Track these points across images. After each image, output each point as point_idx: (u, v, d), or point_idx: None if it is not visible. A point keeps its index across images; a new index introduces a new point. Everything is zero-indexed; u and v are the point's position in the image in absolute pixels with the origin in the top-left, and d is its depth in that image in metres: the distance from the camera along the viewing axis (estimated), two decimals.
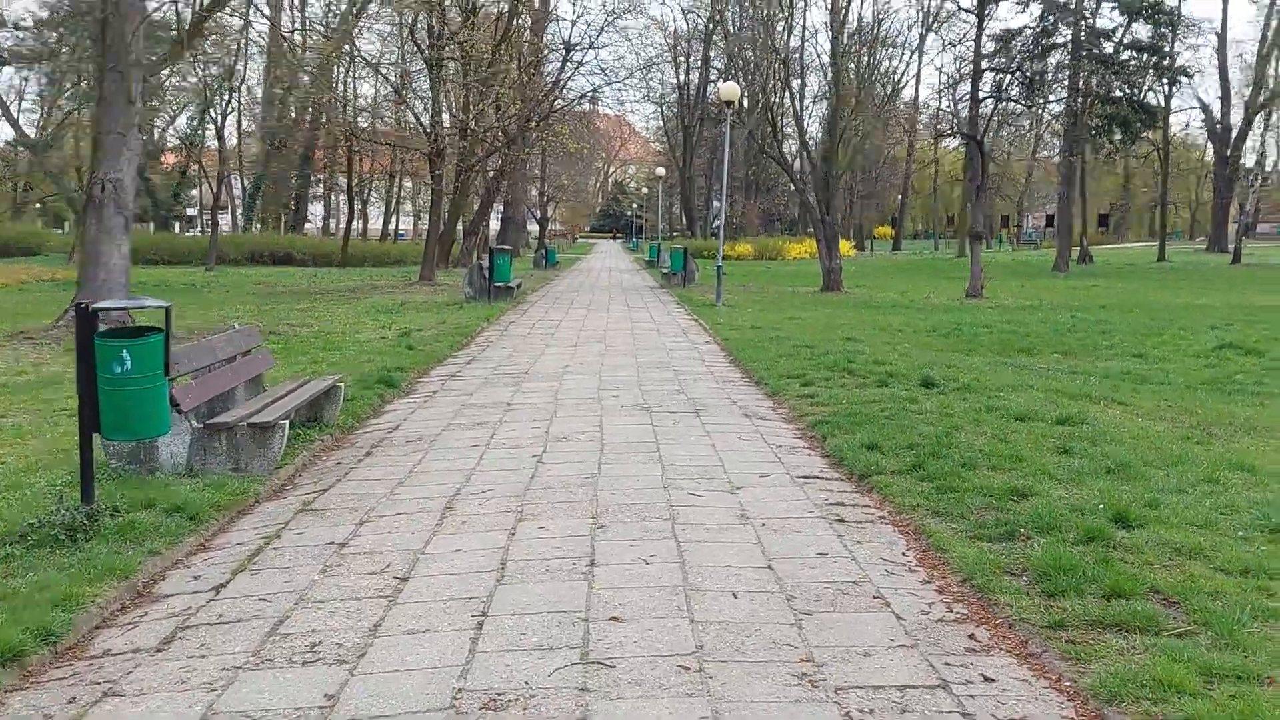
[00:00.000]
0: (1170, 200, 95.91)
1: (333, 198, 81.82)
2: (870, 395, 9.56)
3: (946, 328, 18.18)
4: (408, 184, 64.33)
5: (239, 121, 66.42)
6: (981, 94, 28.62)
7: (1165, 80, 43.09)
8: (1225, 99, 64.32)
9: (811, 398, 9.51)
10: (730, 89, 23.04)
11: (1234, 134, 64.83)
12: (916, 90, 57.20)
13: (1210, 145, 69.14)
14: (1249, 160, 70.80)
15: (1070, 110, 41.27)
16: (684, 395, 10.06)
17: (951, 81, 47.75)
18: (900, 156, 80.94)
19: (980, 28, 28.34)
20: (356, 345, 14.83)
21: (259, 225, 65.28)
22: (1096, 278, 39.62)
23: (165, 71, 37.71)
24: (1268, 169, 62.86)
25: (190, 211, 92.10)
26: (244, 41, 35.26)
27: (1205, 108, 64.51)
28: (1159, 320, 19.89)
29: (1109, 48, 40.94)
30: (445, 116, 44.72)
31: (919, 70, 72.58)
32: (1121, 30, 42.88)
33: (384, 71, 34.28)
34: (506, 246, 24.91)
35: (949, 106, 62.39)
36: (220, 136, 41.32)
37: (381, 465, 7.23)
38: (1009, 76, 30.03)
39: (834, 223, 29.47)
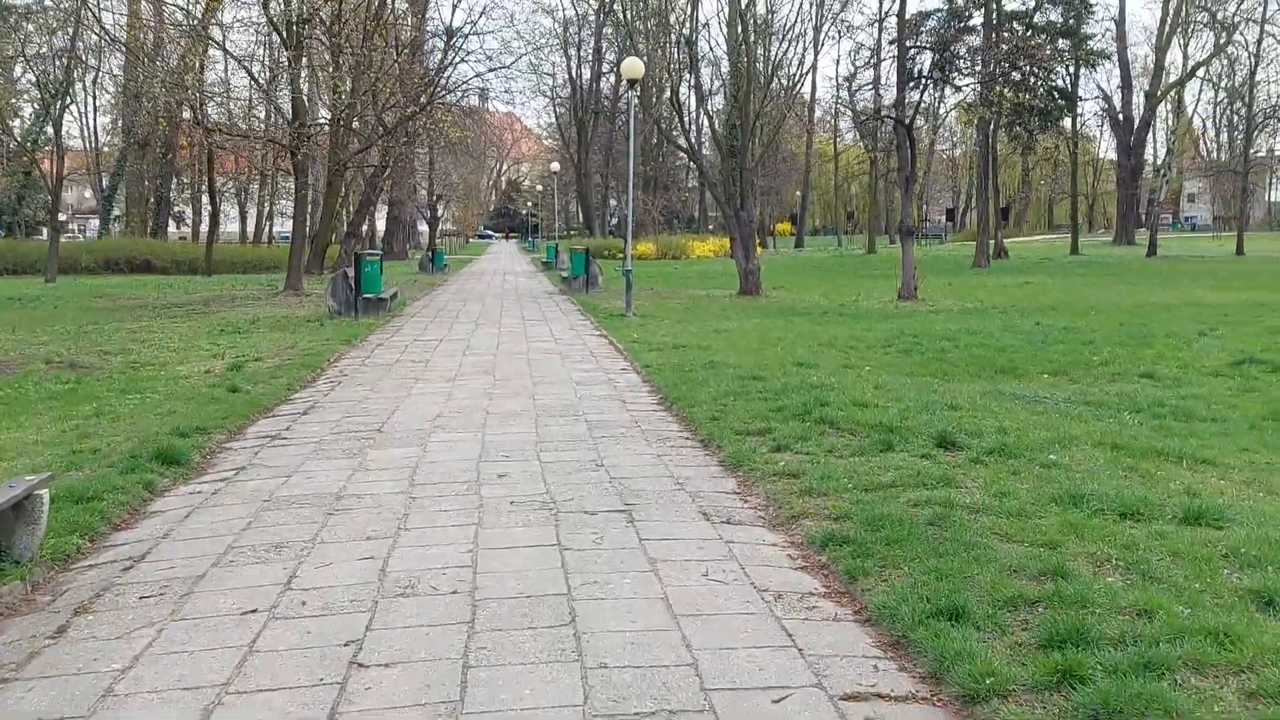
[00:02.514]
0: (1064, 192, 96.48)
1: (205, 199, 76.46)
2: (877, 470, 6.51)
3: (902, 341, 15.35)
4: (289, 184, 59.71)
5: (92, 118, 61.12)
6: (915, 73, 26.06)
7: (1082, 65, 41.48)
8: (1126, 87, 63.84)
9: (795, 477, 6.39)
10: (634, 65, 19.94)
11: (1135, 123, 64.42)
12: (814, 83, 54.92)
13: (1112, 135, 68.66)
14: (1154, 151, 70.87)
15: (985, 98, 39.31)
16: (605, 472, 6.85)
17: (868, 63, 45.61)
18: (799, 151, 79.02)
19: (904, 2, 25.84)
20: (168, 385, 11.28)
21: (120, 230, 59.94)
22: (1020, 273, 37.69)
23: None
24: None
25: (61, 216, 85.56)
26: (74, 29, 30.76)
27: (1106, 97, 63.90)
28: (1134, 326, 17.43)
29: (1022, 31, 39.07)
30: (314, 107, 40.70)
31: (815, 61, 70.52)
32: (1032, 13, 41.15)
33: (237, 58, 30.18)
34: (374, 251, 21.36)
35: (859, 93, 60.59)
36: (58, 133, 36.55)
37: (75, 659, 3.90)
38: (938, 55, 27.70)
39: (751, 219, 26.62)
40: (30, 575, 4.94)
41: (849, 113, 76.32)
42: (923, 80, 26.69)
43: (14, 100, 41.86)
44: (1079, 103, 44.59)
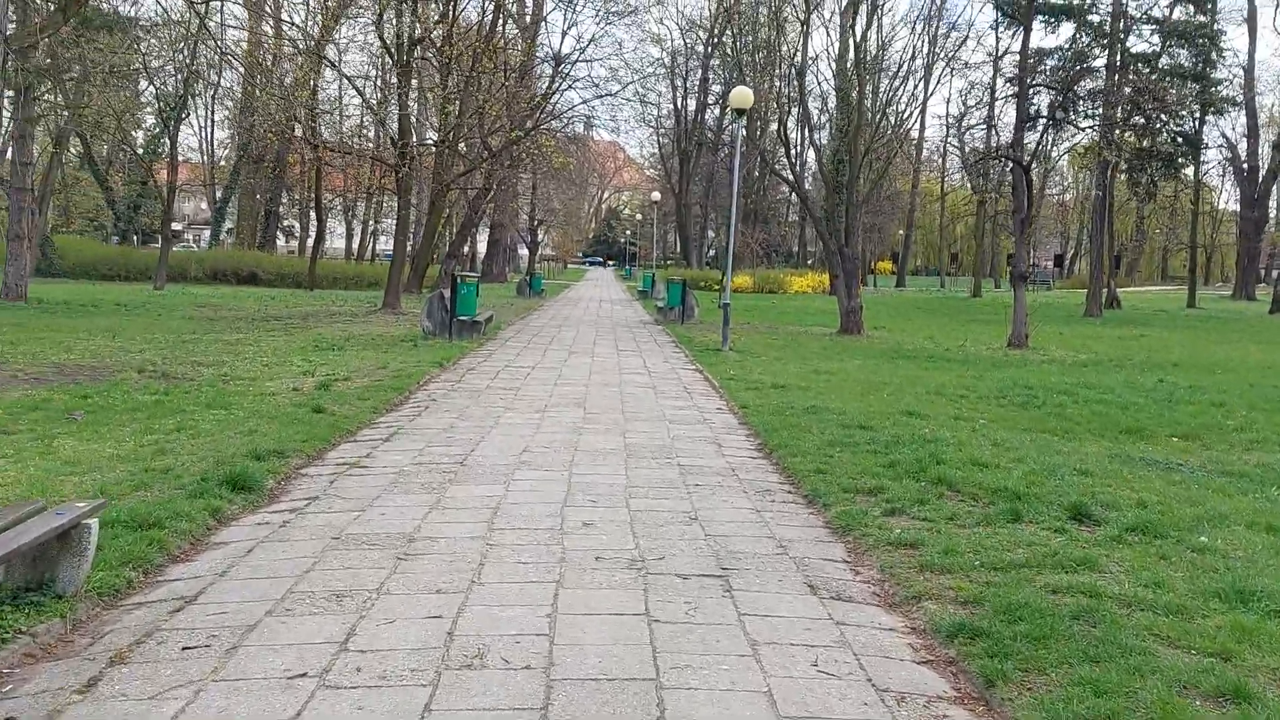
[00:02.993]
0: (1180, 242, 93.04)
1: (313, 215, 78.23)
2: (1007, 544, 5.79)
3: (1016, 393, 14.44)
4: (394, 202, 60.60)
5: (209, 132, 63.02)
6: (1031, 113, 25.06)
7: (1209, 111, 39.71)
8: (1252, 135, 61.11)
9: (913, 547, 5.72)
10: (743, 94, 19.43)
11: (1261, 174, 61.66)
12: (923, 121, 53.83)
13: (1235, 186, 65.79)
14: (1278, 203, 67.75)
15: (1108, 140, 37.85)
16: (700, 527, 6.27)
17: (980, 102, 44.49)
18: (904, 189, 77.60)
19: (1026, 38, 24.90)
20: (254, 401, 11.06)
21: (231, 242, 61.54)
22: (1136, 325, 36.04)
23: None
24: None
25: (176, 226, 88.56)
26: (192, 44, 31.56)
27: (1231, 145, 61.27)
28: (1266, 388, 16.20)
29: (1148, 73, 37.55)
30: (422, 128, 41.15)
31: (926, 99, 69.21)
32: (1159, 55, 39.56)
33: (349, 76, 30.58)
34: (472, 273, 21.19)
35: (968, 133, 59.21)
36: (173, 145, 37.54)
37: None
38: (1059, 95, 26.60)
39: (855, 256, 25.84)
40: (72, 612, 4.55)
41: (958, 152, 75.11)
42: (1041, 120, 25.64)
43: (136, 112, 43.33)
44: (1202, 150, 42.64)
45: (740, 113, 19.76)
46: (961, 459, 8.25)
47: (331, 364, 14.95)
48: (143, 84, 40.79)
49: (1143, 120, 36.01)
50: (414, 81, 39.97)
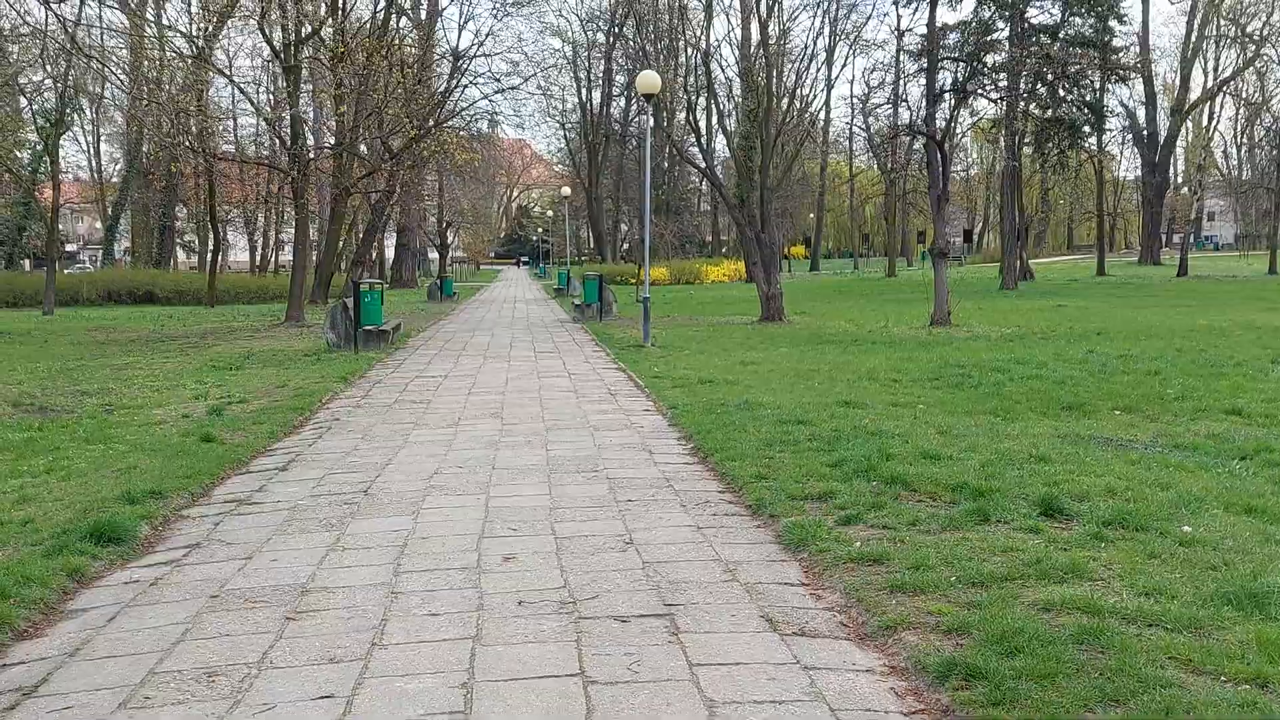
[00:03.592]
0: (1086, 211, 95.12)
1: (222, 228, 75.41)
2: (980, 551, 5.17)
3: (949, 373, 14.00)
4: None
5: (96, 148, 60.41)
6: (941, 88, 24.80)
7: (1111, 79, 40.22)
8: (1150, 103, 62.57)
9: (878, 562, 5.06)
10: (649, 79, 18.74)
11: (1160, 139, 63.11)
12: (828, 103, 53.85)
13: (1136, 153, 67.25)
14: (1174, 169, 69.45)
15: (1012, 113, 38.10)
16: (636, 552, 5.54)
17: (883, 82, 44.51)
18: (811, 172, 77.83)
19: (933, 13, 24.69)
20: (138, 433, 10.04)
21: (128, 261, 58.99)
22: (1050, 296, 36.32)
23: None
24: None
25: (70, 247, 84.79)
26: (66, 56, 29.71)
27: (1130, 113, 62.59)
28: (1194, 353, 16.05)
29: (1049, 43, 37.85)
30: (319, 131, 39.72)
31: (830, 81, 69.51)
32: (1060, 25, 39.94)
33: (233, 79, 29.16)
34: (376, 279, 20.15)
35: (873, 114, 59.47)
36: (54, 163, 35.59)
37: None
38: (968, 68, 26.47)
39: (772, 241, 25.36)
40: None
41: (864, 133, 75.54)
42: (952, 94, 25.41)
43: (19, 132, 41.05)
44: (1105, 119, 43.23)
45: (648, 98, 19.07)
46: (911, 452, 7.67)
47: (228, 385, 13.90)
48: (22, 101, 38.70)
49: (1047, 90, 36.29)
50: (307, 84, 38.58)
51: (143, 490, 7.06)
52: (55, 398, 13.19)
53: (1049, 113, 36.79)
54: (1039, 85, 35.44)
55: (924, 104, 24.33)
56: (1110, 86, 47.96)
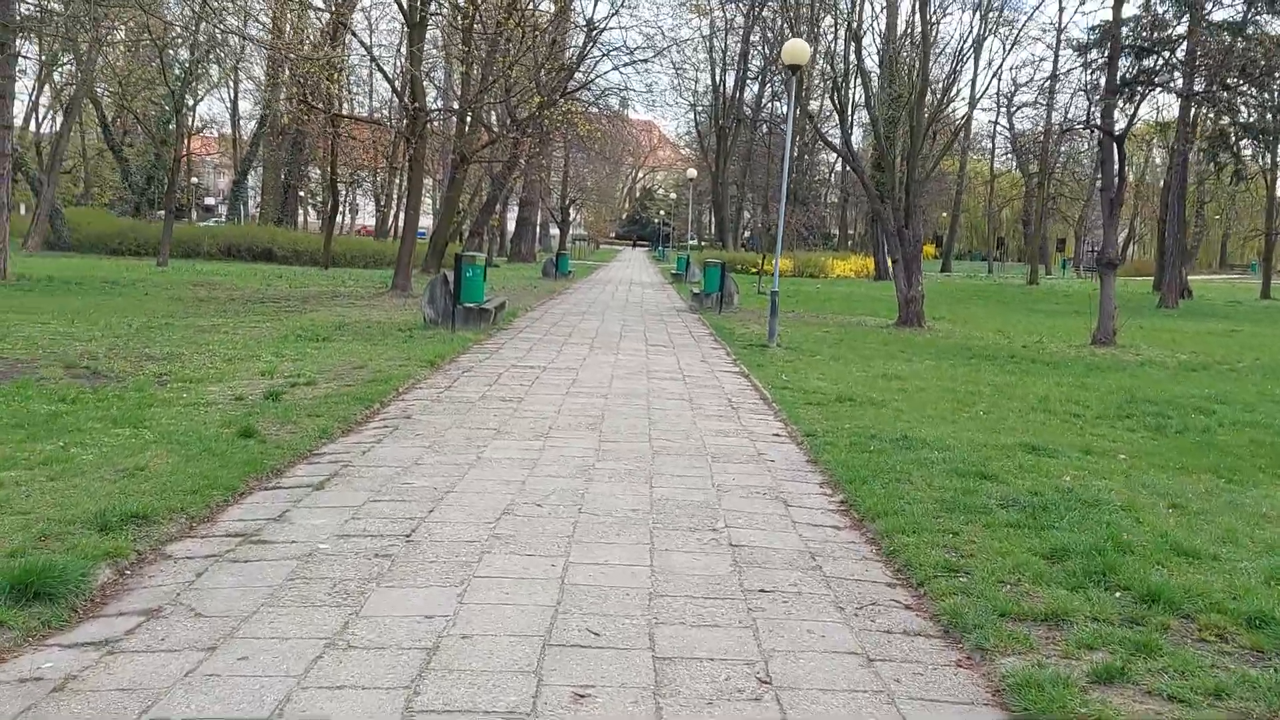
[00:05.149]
0: (1247, 228, 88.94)
1: (346, 191, 75.66)
2: None
3: (1139, 409, 11.62)
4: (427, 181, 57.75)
5: (235, 104, 60.85)
6: (1123, 79, 21.98)
7: None
8: None
9: None
10: (798, 48, 16.62)
11: None
12: (971, 99, 50.48)
13: None
14: None
15: (1185, 117, 34.63)
16: (775, 701, 3.60)
17: (1030, 80, 41.36)
18: (948, 169, 74.04)
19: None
20: (176, 415, 8.53)
21: (256, 218, 59.30)
22: (1216, 318, 32.88)
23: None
24: None
25: (210, 201, 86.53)
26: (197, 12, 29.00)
27: None
28: None
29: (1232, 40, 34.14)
30: (446, 97, 38.57)
31: (974, 78, 65.87)
32: (1245, 22, 36.10)
33: (357, 35, 27.98)
34: (478, 254, 18.54)
35: (1017, 113, 55.73)
36: (178, 114, 35.17)
37: None
38: (1156, 59, 23.62)
39: (918, 238, 22.96)
40: None
41: (1006, 132, 71.45)
42: (1136, 86, 22.54)
43: (152, 83, 41.00)
44: None
45: (793, 69, 16.96)
46: (1152, 541, 5.53)
47: (305, 360, 12.39)
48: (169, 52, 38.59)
49: (1226, 92, 32.74)
50: (437, 46, 37.45)
51: (127, 510, 5.40)
52: (116, 361, 11.86)
53: (1224, 119, 33.24)
54: (1216, 86, 31.95)
55: (1098, 98, 21.56)
56: None
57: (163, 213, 56.24)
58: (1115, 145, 20.60)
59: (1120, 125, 21.44)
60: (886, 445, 8.08)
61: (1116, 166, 20.88)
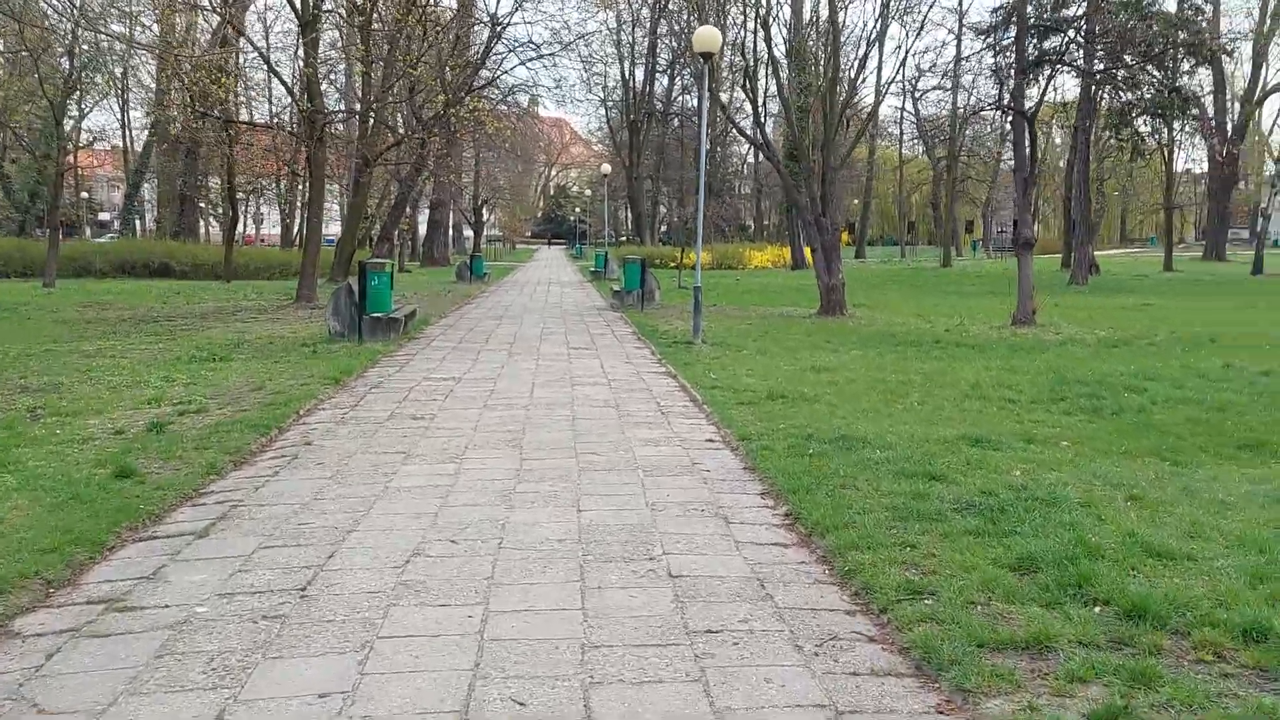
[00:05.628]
0: (1145, 203, 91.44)
1: (247, 200, 73.29)
2: None
3: (1071, 391, 11.37)
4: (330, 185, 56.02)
5: (125, 115, 58.49)
6: (1031, 58, 21.92)
7: (1199, 61, 36.95)
8: (1219, 90, 58.87)
9: None
10: (708, 35, 16.13)
11: (1229, 129, 59.49)
12: (876, 86, 50.62)
13: (1201, 143, 63.52)
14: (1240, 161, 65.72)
15: (1088, 95, 35.08)
16: None
17: (933, 65, 41.70)
18: (857, 157, 74.61)
19: None
20: (46, 455, 7.70)
21: (154, 232, 57.07)
22: (1125, 292, 33.36)
23: None
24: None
25: (104, 216, 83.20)
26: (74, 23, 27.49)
27: (1197, 100, 58.88)
28: None
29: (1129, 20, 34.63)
30: (348, 99, 37.37)
31: (880, 64, 66.62)
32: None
33: (246, 37, 26.81)
34: (383, 260, 17.72)
35: (921, 99, 56.29)
36: (59, 126, 33.47)
37: None
38: (1060, 38, 23.70)
39: (835, 227, 22.69)
40: None
41: (912, 117, 72.21)
42: (1046, 66, 22.54)
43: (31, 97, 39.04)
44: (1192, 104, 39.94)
45: (705, 57, 16.48)
46: (1120, 542, 5.12)
47: (198, 384, 11.52)
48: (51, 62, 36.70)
49: (1124, 71, 33.21)
50: (336, 47, 36.25)
51: None
52: None
53: (1126, 96, 33.69)
54: (1117, 66, 32.36)
55: (1008, 77, 21.51)
56: (1182, 71, 44.67)
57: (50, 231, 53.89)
58: (1026, 125, 20.56)
59: (1030, 105, 21.39)
60: (826, 446, 7.60)
61: (1029, 146, 20.85)
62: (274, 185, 57.29)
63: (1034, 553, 4.90)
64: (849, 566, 4.90)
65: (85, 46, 33.71)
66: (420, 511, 6.11)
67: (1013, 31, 26.70)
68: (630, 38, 70.76)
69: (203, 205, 50.52)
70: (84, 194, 74.70)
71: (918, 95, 68.92)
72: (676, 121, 70.49)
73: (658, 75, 71.13)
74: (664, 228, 78.71)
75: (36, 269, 38.93)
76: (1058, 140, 78.25)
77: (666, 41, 67.31)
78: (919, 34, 48.46)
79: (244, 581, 4.87)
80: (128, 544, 5.57)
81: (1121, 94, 36.25)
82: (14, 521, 5.77)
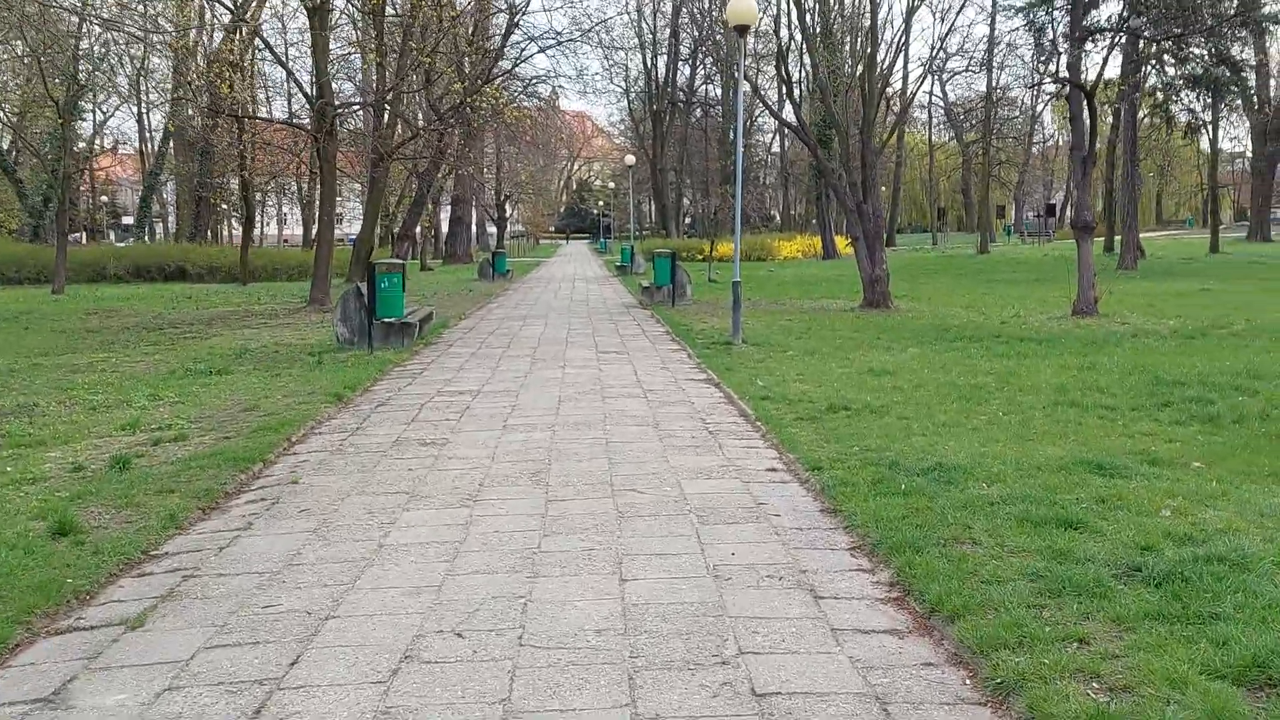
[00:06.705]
0: (1184, 183, 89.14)
1: (273, 201, 72.42)
2: None
3: (1174, 396, 9.92)
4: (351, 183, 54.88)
5: (142, 118, 57.66)
6: (1091, 27, 20.33)
7: (1255, 31, 35.20)
8: (1262, 66, 56.68)
9: None
10: (745, 7, 14.73)
11: (1272, 106, 57.30)
12: (905, 74, 48.91)
13: (1245, 121, 61.34)
14: None
15: (1135, 70, 33.33)
16: None
17: (960, 48, 40.03)
18: (890, 144, 72.70)
19: None
20: None
21: (170, 236, 56.31)
22: (1177, 277, 31.66)
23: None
24: None
25: (127, 220, 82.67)
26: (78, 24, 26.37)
27: (1242, 77, 56.79)
28: None
29: None
30: (365, 94, 36.19)
31: (907, 50, 64.66)
32: None
33: (260, 33, 25.62)
34: (396, 260, 16.45)
35: (949, 81, 54.41)
36: (65, 129, 32.47)
37: None
38: (1118, 5, 22.13)
39: (878, 214, 21.25)
40: None
41: (940, 101, 70.34)
42: (1110, 34, 20.87)
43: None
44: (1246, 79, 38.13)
45: (741, 31, 15.09)
46: None
47: (185, 402, 10.29)
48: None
49: (1174, 45, 31.50)
50: (351, 41, 35.05)
51: None
52: None
53: (1174, 71, 32.06)
54: (1168, 37, 30.67)
55: (1065, 49, 19.95)
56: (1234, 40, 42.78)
57: (84, 235, 53.16)
58: (1085, 99, 19.01)
59: (1087, 78, 19.87)
60: (918, 480, 6.22)
61: (1088, 123, 19.30)
62: (294, 184, 56.31)
63: (1258, 654, 3.52)
64: (1001, 677, 3.53)
65: (91, 44, 32.75)
66: (420, 584, 4.78)
67: (1058, 1, 25.19)
68: (652, 26, 69.37)
69: (224, 207, 49.50)
70: (104, 198, 74.15)
71: (945, 78, 67.28)
72: (699, 111, 69.01)
73: (680, 64, 69.70)
74: (688, 219, 77.22)
75: (50, 274, 38.05)
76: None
77: (688, 29, 65.85)
78: (959, 12, 46.53)
79: (172, 709, 3.56)
80: (39, 639, 4.28)
81: (1168, 68, 34.63)
82: None
